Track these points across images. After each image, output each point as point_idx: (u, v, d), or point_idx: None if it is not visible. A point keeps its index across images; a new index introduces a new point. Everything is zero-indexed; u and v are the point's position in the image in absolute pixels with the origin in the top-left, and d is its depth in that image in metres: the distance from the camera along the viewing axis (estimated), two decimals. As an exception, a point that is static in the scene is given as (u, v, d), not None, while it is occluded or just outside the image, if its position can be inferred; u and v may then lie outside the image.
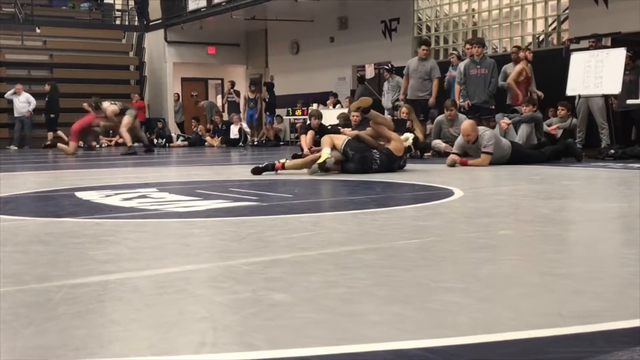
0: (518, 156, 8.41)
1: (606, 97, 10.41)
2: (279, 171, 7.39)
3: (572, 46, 11.48)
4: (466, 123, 8.45)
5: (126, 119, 13.58)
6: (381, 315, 1.92)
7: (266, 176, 7.07)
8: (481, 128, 8.43)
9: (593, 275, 2.45)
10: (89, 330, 1.81)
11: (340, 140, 7.38)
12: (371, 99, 8.17)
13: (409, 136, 7.77)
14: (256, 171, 7.33)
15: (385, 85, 13.35)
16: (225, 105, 19.66)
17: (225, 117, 18.99)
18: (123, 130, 13.54)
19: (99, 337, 1.77)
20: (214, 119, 18.82)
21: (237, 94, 19.37)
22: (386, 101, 12.95)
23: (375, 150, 7.31)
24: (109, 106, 13.72)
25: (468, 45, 11.39)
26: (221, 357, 1.60)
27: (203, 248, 3.10)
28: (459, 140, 8.48)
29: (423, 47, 11.66)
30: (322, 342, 1.69)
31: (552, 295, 2.16)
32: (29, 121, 18.63)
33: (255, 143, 18.16)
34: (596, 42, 11.12)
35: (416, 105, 11.31)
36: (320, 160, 7.19)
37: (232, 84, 19.73)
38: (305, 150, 9.36)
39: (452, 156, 8.28)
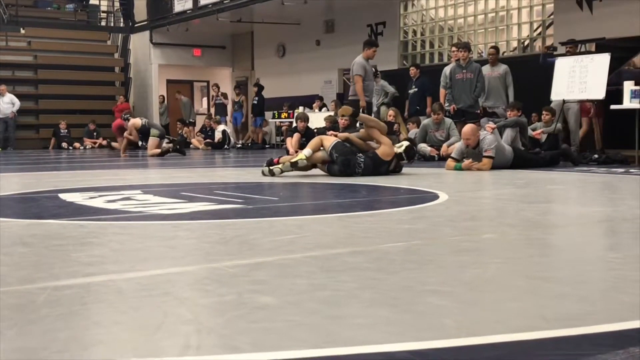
0: (520, 161, 8.47)
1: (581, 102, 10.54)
2: (272, 167, 7.29)
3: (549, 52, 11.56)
4: (467, 127, 8.44)
5: (151, 141, 13.59)
6: (367, 318, 1.92)
7: (252, 179, 7.06)
8: (482, 132, 8.42)
9: (577, 278, 2.46)
10: (72, 333, 1.80)
11: (330, 141, 7.40)
12: (351, 108, 8.13)
13: (404, 144, 7.74)
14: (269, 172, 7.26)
15: None
16: (213, 109, 19.63)
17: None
18: (150, 152, 13.54)
19: (83, 340, 1.76)
20: (191, 119, 18.99)
21: (225, 96, 19.34)
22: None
23: (360, 154, 7.32)
24: (134, 120, 13.88)
25: (454, 49, 11.43)
26: (206, 360, 1.59)
27: (188, 250, 3.08)
28: (459, 145, 8.47)
29: (375, 48, 10.60)
30: (307, 344, 1.69)
31: (537, 298, 2.17)
32: (12, 122, 18.51)
33: (239, 146, 18.13)
34: (573, 48, 11.18)
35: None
36: (293, 160, 7.25)
37: (218, 87, 19.72)
38: (291, 152, 9.38)
39: (465, 163, 8.20)
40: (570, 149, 9.77)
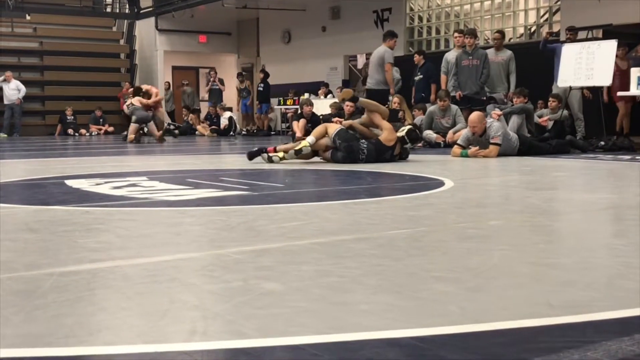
0: (526, 148, 8.44)
1: (582, 90, 10.51)
2: (271, 155, 7.31)
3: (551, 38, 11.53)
4: (473, 115, 8.39)
5: (130, 127, 13.95)
6: (372, 305, 1.92)
7: (257, 165, 7.06)
8: (489, 120, 8.38)
9: (582, 265, 2.46)
10: (78, 318, 1.80)
11: (333, 128, 7.41)
12: (351, 90, 8.16)
13: (406, 127, 7.72)
14: (250, 156, 7.32)
15: None
16: (207, 94, 19.68)
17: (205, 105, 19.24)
18: (129, 138, 13.93)
19: (89, 325, 1.76)
20: (196, 107, 19.09)
21: (222, 82, 19.40)
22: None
23: (363, 141, 7.33)
24: (126, 103, 14.42)
25: (457, 34, 11.36)
26: (212, 346, 1.60)
27: (193, 237, 3.09)
28: (466, 132, 8.43)
29: (396, 39, 11.11)
30: (313, 330, 1.69)
31: (542, 285, 2.17)
32: (18, 108, 18.52)
33: (245, 133, 18.13)
34: (574, 34, 11.12)
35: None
36: (297, 147, 7.27)
37: (215, 72, 19.78)
38: (298, 135, 9.38)
39: (472, 150, 8.16)
40: (575, 138, 9.75)
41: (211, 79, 19.57)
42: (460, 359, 1.51)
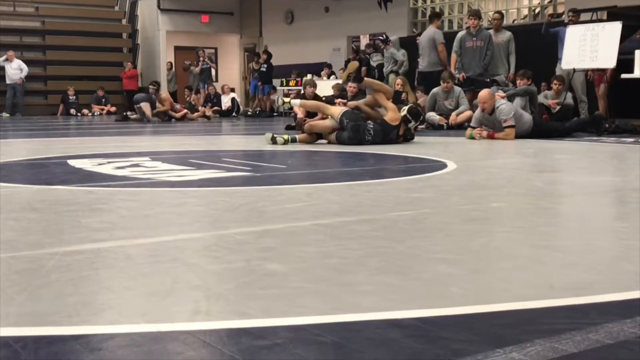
0: (540, 130, 8.37)
1: (586, 72, 10.44)
2: (276, 136, 7.30)
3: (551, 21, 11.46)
4: (483, 91, 8.30)
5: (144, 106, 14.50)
6: (374, 286, 1.93)
7: (260, 147, 7.05)
8: (498, 101, 8.29)
9: (585, 247, 2.46)
10: (82, 298, 1.81)
11: (339, 110, 7.40)
12: (357, 63, 8.14)
13: (406, 107, 7.69)
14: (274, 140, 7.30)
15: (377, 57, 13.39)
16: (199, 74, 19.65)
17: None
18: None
19: (92, 305, 1.77)
20: (204, 88, 19.00)
21: (211, 60, 19.41)
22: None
23: (369, 122, 7.32)
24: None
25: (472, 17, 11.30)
26: (215, 326, 1.61)
27: (196, 217, 3.09)
28: (477, 113, 8.36)
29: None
30: (315, 311, 1.70)
31: (544, 267, 2.17)
32: (20, 88, 18.48)
33: (249, 114, 18.09)
34: (576, 17, 11.05)
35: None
36: (287, 100, 7.67)
37: (204, 51, 19.74)
38: (300, 115, 9.32)
39: (476, 130, 8.12)
40: (600, 116, 9.65)
41: (201, 59, 19.47)
42: (462, 339, 1.51)
